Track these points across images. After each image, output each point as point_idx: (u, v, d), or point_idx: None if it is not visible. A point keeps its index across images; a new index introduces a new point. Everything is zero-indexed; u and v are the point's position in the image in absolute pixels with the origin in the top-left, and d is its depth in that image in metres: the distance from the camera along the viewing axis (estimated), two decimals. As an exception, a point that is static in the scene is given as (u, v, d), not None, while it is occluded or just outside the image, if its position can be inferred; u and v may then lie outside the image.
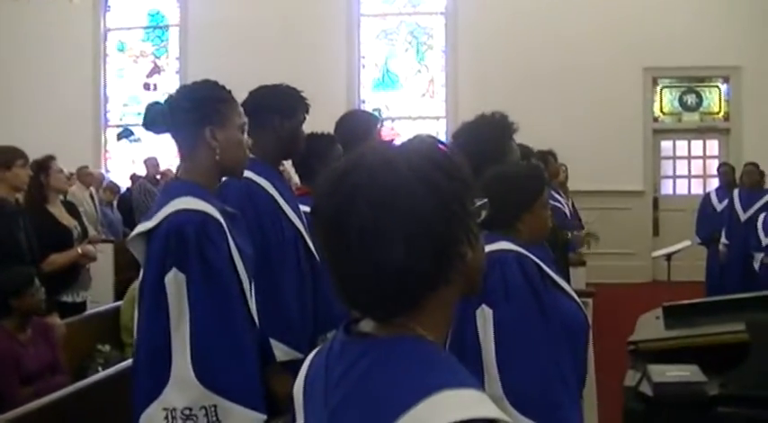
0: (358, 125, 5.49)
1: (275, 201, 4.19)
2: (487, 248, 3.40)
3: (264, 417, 3.33)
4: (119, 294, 8.57)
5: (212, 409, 3.19)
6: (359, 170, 1.63)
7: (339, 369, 1.65)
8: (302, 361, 4.04)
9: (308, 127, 4.58)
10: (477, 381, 1.61)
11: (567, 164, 10.20)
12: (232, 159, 3.45)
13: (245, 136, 3.51)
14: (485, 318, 3.31)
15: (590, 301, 5.68)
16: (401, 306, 1.62)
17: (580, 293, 4.78)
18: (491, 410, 1.51)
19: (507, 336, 3.28)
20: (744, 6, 14.91)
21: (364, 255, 1.58)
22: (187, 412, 3.17)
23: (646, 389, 3.62)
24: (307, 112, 4.45)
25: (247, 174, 3.77)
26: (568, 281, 7.06)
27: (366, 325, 1.68)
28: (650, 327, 4.40)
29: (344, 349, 1.68)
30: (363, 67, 16.38)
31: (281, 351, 3.94)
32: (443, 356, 1.62)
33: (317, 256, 4.33)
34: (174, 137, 3.48)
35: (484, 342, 3.27)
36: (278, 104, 4.31)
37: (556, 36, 14.92)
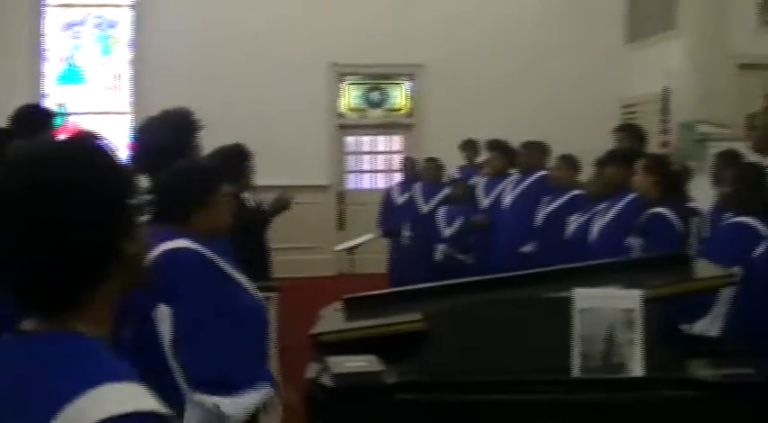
0: (34, 119, 5.30)
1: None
2: (164, 246, 3.43)
3: None
4: None
5: None
6: (17, 165, 1.60)
7: None
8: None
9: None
10: (137, 375, 1.61)
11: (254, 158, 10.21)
12: None
13: None
14: (164, 316, 3.36)
15: (275, 295, 5.70)
16: (61, 302, 1.60)
17: (265, 288, 4.80)
18: (151, 404, 1.52)
19: (187, 332, 3.35)
20: (426, 5, 15.43)
21: (22, 250, 1.55)
22: None
23: (326, 380, 3.67)
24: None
25: None
26: (268, 274, 7.12)
27: (28, 323, 1.63)
28: (331, 319, 4.46)
29: (4, 347, 1.64)
30: (47, 59, 15.74)
31: None
32: (103, 351, 1.61)
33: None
34: None
35: (165, 340, 3.33)
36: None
37: (243, 30, 14.90)
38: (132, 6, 15.77)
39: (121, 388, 1.52)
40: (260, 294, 3.93)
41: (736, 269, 4.85)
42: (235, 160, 6.58)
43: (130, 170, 1.71)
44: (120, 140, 13.19)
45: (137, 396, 1.53)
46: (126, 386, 1.53)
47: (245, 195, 7.07)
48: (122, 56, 15.87)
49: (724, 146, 8.73)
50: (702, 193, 7.74)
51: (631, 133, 8.45)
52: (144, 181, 3.78)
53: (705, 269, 4.84)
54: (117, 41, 15.95)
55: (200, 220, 3.61)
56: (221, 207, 3.70)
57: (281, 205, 7.66)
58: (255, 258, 6.64)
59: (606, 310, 3.71)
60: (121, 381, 1.53)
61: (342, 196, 16.06)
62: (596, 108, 15.02)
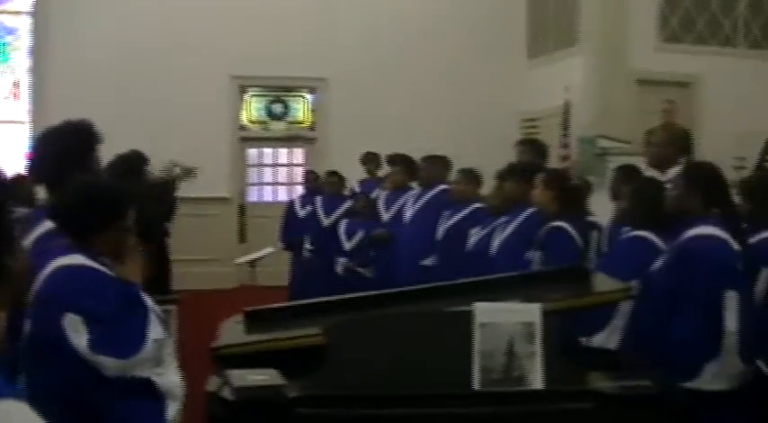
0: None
1: None
2: (58, 261, 3.42)
3: None
4: None
5: None
6: None
7: None
8: None
9: None
10: (20, 391, 1.59)
11: (155, 171, 10.09)
12: None
13: None
14: (75, 325, 3.42)
15: (174, 308, 5.64)
16: None
17: (165, 300, 4.74)
18: (32, 418, 1.52)
19: (102, 338, 3.48)
20: (330, 19, 15.46)
21: None
22: None
23: (227, 394, 3.64)
24: None
25: None
26: (168, 287, 7.06)
27: None
28: (232, 332, 4.41)
29: None
30: (-58, 67, 15.30)
31: None
32: None
33: None
34: None
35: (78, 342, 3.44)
36: None
37: (146, 40, 14.73)
38: (32, 13, 15.43)
39: (4, 405, 1.49)
40: (159, 308, 3.90)
41: (633, 283, 4.92)
42: (134, 165, 6.54)
43: (15, 183, 1.68)
44: (18, 150, 12.95)
45: (18, 412, 1.51)
46: (8, 403, 1.50)
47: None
48: (21, 64, 15.51)
49: (623, 161, 8.87)
50: (602, 208, 7.85)
51: (532, 147, 8.52)
52: (42, 191, 3.71)
53: (603, 283, 4.90)
54: (16, 49, 15.57)
55: (97, 241, 3.60)
56: (120, 234, 3.68)
57: (184, 172, 7.61)
58: (155, 270, 6.58)
59: (506, 323, 3.73)
60: (3, 398, 1.50)
61: (243, 209, 15.98)
62: (498, 122, 15.19)
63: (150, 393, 3.58)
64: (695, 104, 14.33)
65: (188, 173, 7.65)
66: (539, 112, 15.31)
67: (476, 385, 3.64)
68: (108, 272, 3.61)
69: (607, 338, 5.25)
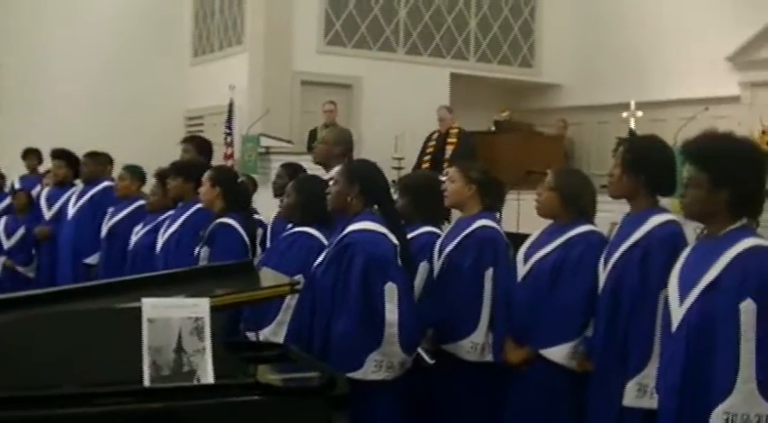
0: None
1: None
2: None
3: None
4: None
5: None
6: None
7: None
8: None
9: None
10: None
11: None
12: None
13: None
14: None
15: None
16: None
17: None
18: None
19: None
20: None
21: None
22: None
23: None
24: None
25: None
26: None
27: None
28: None
29: None
30: None
31: None
32: None
33: None
34: None
35: None
36: None
37: None
38: None
39: None
40: None
41: (298, 277, 5.05)
42: None
43: None
44: None
45: None
46: None
47: None
48: None
49: (286, 159, 9.08)
50: (265, 205, 8.01)
51: (197, 145, 8.53)
52: None
53: (269, 277, 5.00)
54: None
55: None
56: None
57: None
58: None
59: (175, 319, 3.74)
60: None
61: None
62: (162, 119, 15.17)
63: None
64: (355, 106, 14.83)
65: None
66: (204, 109, 15.37)
67: (146, 382, 3.64)
68: None
69: (274, 332, 5.37)
